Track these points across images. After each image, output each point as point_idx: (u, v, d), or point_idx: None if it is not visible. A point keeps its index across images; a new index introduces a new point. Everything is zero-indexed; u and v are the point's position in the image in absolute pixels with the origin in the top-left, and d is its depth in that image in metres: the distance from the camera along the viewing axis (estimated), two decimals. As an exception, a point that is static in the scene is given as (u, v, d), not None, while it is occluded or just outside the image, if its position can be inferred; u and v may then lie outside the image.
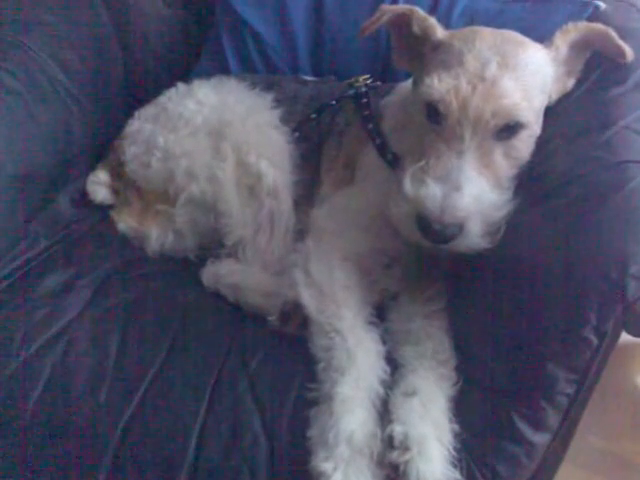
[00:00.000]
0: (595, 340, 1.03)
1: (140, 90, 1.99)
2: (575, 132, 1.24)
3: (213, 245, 1.59)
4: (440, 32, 1.30)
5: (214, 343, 1.34)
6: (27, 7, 1.70)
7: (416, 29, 1.32)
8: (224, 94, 1.64)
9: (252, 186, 1.53)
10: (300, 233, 1.52)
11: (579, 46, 1.30)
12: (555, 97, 1.31)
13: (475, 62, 1.18)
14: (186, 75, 1.99)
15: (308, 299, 1.28)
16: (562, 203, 1.12)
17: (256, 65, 1.95)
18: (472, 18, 1.73)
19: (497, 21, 1.64)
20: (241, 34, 1.93)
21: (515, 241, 1.16)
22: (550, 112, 1.30)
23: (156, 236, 1.60)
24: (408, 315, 1.34)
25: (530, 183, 1.22)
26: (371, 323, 1.27)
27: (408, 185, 1.19)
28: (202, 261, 1.58)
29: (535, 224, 1.14)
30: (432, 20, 1.31)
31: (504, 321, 1.14)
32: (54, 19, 1.73)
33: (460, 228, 1.15)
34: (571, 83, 1.33)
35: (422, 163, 1.20)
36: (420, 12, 1.32)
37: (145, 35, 2.00)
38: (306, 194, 1.59)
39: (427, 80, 1.20)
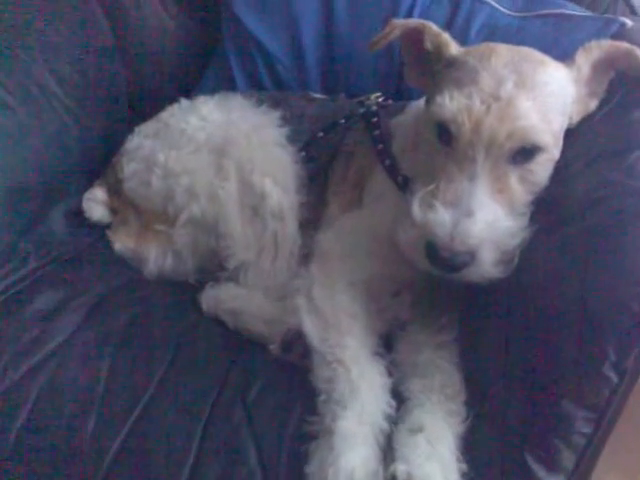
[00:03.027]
0: (615, 378, 1.02)
1: (143, 105, 2.02)
2: (596, 155, 1.24)
3: (214, 268, 1.60)
4: (454, 48, 1.31)
5: (211, 371, 1.34)
6: (23, 17, 1.71)
7: (428, 45, 1.33)
8: (229, 111, 1.66)
9: (255, 207, 1.54)
10: (305, 257, 1.51)
11: (602, 65, 1.31)
12: (576, 119, 1.31)
13: (490, 80, 1.19)
14: (191, 90, 2.03)
15: (310, 327, 1.28)
16: (579, 230, 1.11)
17: (263, 81, 1.99)
18: (491, 34, 1.77)
19: (517, 37, 1.68)
20: (248, 48, 1.97)
21: (529, 270, 1.16)
22: (571, 134, 1.30)
23: (154, 257, 1.62)
24: (417, 346, 1.33)
25: (547, 208, 1.22)
26: (377, 354, 1.27)
27: (417, 210, 1.19)
28: (202, 284, 1.58)
29: (550, 252, 1.14)
30: (446, 36, 1.32)
31: (516, 354, 1.13)
32: (52, 30, 1.75)
33: (471, 256, 1.14)
34: (594, 104, 1.33)
35: (432, 187, 1.20)
36: (433, 27, 1.33)
37: (148, 48, 2.03)
38: (312, 216, 1.59)
39: (438, 99, 1.21)
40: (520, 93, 1.17)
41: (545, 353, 1.08)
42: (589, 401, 1.04)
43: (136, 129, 1.75)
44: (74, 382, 1.29)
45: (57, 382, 1.29)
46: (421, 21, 1.35)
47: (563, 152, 1.27)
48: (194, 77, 2.09)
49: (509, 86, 1.17)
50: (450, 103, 1.19)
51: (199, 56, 2.11)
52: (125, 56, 2.01)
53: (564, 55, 1.31)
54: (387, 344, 1.35)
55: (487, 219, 1.15)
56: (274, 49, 1.95)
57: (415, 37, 1.36)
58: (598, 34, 1.61)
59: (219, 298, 1.51)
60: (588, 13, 1.82)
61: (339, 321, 1.28)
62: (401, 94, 1.81)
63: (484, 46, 1.30)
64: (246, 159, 1.55)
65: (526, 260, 1.17)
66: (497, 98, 1.17)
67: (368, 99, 1.65)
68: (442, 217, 1.15)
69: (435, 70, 1.33)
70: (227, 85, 1.97)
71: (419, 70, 1.39)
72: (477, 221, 1.14)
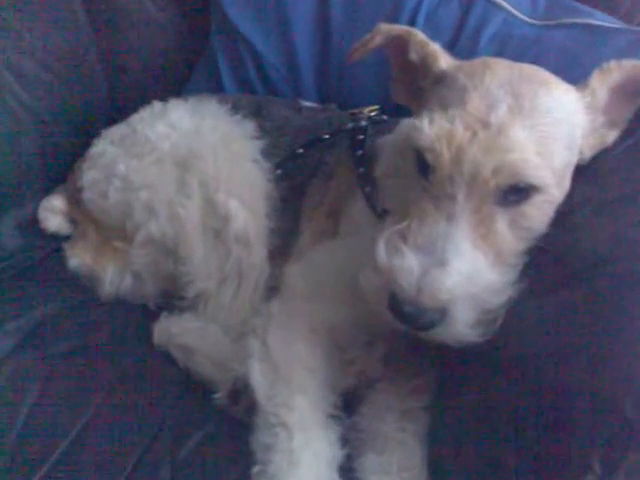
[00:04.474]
0: (599, 495, 0.80)
1: (126, 106, 1.77)
2: (610, 200, 1.00)
3: (177, 293, 1.42)
4: (444, 61, 1.10)
5: (144, 420, 1.18)
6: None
7: (414, 56, 1.12)
8: (201, 118, 1.47)
9: (218, 230, 1.35)
10: (272, 292, 1.32)
11: (624, 90, 1.06)
12: (589, 153, 1.07)
13: (480, 102, 0.97)
14: (181, 90, 1.86)
15: (259, 378, 1.09)
16: (573, 298, 0.89)
17: (254, 85, 1.80)
18: (503, 44, 1.54)
19: (533, 49, 1.48)
20: (237, 49, 1.78)
21: (514, 338, 0.95)
22: (581, 172, 1.07)
23: (110, 277, 1.45)
24: (382, 410, 1.14)
25: (546, 262, 0.99)
26: (333, 416, 1.07)
27: (381, 252, 0.98)
28: (164, 310, 1.40)
29: (539, 320, 0.92)
30: (434, 46, 1.11)
31: (486, 443, 0.92)
32: (19, 22, 1.58)
33: (441, 314, 0.93)
34: (612, 136, 1.09)
35: (403, 225, 0.99)
36: (419, 35, 1.11)
37: (132, 43, 1.85)
38: (284, 244, 1.40)
39: (417, 122, 0.99)
40: (515, 120, 0.95)
41: (514, 455, 0.86)
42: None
43: (103, 132, 1.57)
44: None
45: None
46: (406, 28, 1.14)
47: (570, 193, 1.04)
48: (186, 75, 1.92)
49: (502, 110, 0.96)
50: (429, 127, 0.97)
51: (191, 52, 1.93)
52: (105, 52, 1.83)
53: (587, 73, 1.07)
54: (350, 403, 1.15)
55: (464, 270, 0.93)
56: (265, 51, 1.75)
57: (402, 46, 1.14)
58: (628, 50, 1.37)
59: (171, 331, 1.33)
60: (621, 25, 1.55)
61: (291, 375, 1.08)
62: (403, 109, 1.60)
63: (479, 61, 1.08)
64: (211, 175, 1.36)
65: (511, 324, 0.95)
66: (486, 124, 0.95)
67: (361, 112, 1.44)
68: (409, 264, 0.93)
69: (422, 86, 1.13)
70: (215, 88, 1.80)
71: (406, 85, 1.18)
72: (451, 272, 0.92)
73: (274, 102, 1.63)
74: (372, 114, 1.44)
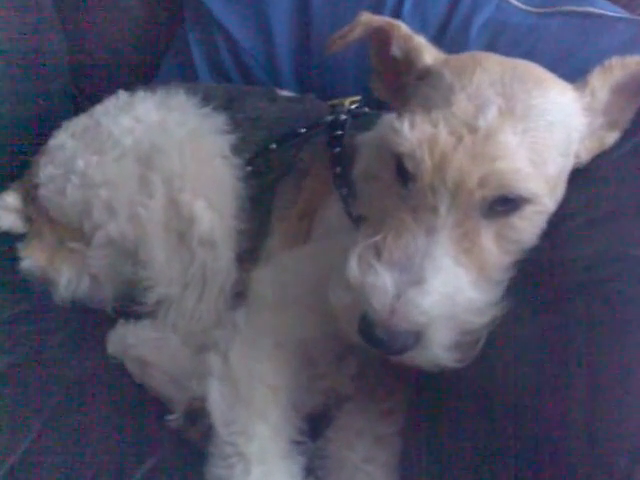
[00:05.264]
0: None
1: (91, 94, 1.71)
2: (606, 211, 0.90)
3: (138, 298, 1.32)
4: (430, 56, 1.00)
5: (91, 444, 1.08)
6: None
7: (396, 50, 1.02)
8: (166, 111, 1.37)
9: (183, 232, 1.26)
10: (239, 298, 1.23)
11: (627, 89, 0.96)
12: (586, 157, 0.97)
13: (467, 104, 0.87)
14: (152, 78, 1.75)
15: (217, 400, 0.99)
16: (571, 318, 0.79)
17: (229, 72, 1.70)
18: (496, 33, 1.44)
19: (528, 39, 1.39)
20: (211, 34, 1.68)
21: (497, 366, 0.85)
22: (576, 177, 0.96)
23: (66, 280, 1.36)
24: (352, 435, 1.04)
25: (534, 278, 0.90)
26: (296, 442, 0.98)
27: (353, 268, 0.88)
28: (125, 316, 1.31)
29: (528, 345, 0.82)
30: (419, 39, 1.01)
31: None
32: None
33: (415, 337, 0.83)
34: (612, 138, 0.99)
35: (378, 237, 0.88)
36: (403, 28, 1.01)
37: (99, 26, 1.74)
38: (253, 247, 1.30)
39: (397, 123, 0.89)
40: (505, 123, 0.86)
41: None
42: None
43: (64, 124, 1.47)
44: None
45: None
46: (388, 20, 1.03)
47: (565, 201, 0.94)
48: (155, 63, 1.80)
49: (492, 113, 0.86)
50: (409, 131, 0.87)
51: (161, 39, 1.81)
52: (69, 34, 1.73)
53: (584, 67, 0.98)
54: (317, 426, 1.06)
55: (443, 289, 0.84)
56: (241, 36, 1.65)
57: (384, 39, 1.04)
58: (631, 43, 1.27)
59: (127, 341, 1.24)
60: (623, 14, 1.45)
61: (253, 397, 0.98)
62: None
63: (467, 56, 0.98)
64: (175, 173, 1.26)
65: (494, 350, 0.86)
66: (473, 128, 0.85)
67: (341, 104, 1.34)
68: (382, 283, 0.83)
69: (405, 83, 1.02)
70: (188, 76, 1.70)
71: (388, 80, 1.08)
72: (429, 291, 0.83)
73: (248, 92, 1.54)
74: (353, 106, 1.34)
